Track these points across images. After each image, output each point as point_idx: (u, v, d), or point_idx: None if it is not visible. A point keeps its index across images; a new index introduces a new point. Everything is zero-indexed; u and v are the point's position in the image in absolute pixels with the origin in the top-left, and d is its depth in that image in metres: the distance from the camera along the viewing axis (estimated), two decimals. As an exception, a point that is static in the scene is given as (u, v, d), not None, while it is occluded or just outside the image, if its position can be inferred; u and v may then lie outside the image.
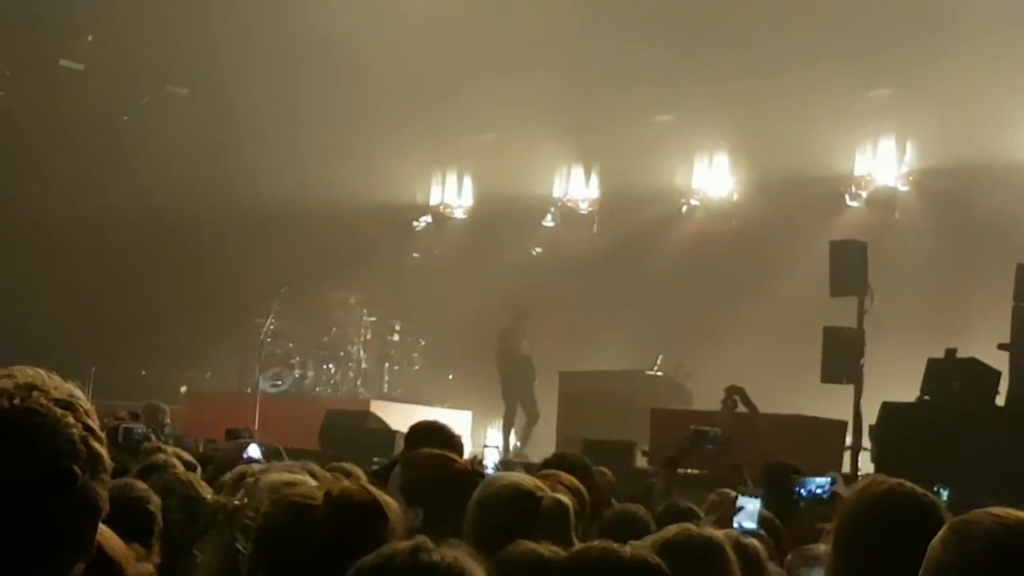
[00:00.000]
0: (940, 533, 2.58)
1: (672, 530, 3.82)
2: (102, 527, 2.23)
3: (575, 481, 5.26)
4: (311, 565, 2.69)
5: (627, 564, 2.78)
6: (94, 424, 1.76)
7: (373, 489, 2.87)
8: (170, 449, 6.44)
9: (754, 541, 4.09)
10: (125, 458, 5.74)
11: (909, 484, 3.16)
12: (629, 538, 3.68)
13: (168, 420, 10.67)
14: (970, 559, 2.48)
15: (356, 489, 2.86)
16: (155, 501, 4.36)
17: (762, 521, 5.32)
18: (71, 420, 1.72)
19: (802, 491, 5.67)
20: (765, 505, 5.74)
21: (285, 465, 4.51)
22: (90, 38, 20.52)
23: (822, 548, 4.70)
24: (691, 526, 3.91)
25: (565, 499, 4.19)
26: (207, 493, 4.59)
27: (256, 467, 4.49)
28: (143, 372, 20.03)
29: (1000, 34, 15.93)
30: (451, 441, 5.67)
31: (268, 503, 2.98)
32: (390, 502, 2.79)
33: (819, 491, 5.82)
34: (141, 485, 4.50)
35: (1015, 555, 2.47)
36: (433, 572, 2.16)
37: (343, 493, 2.83)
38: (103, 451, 1.76)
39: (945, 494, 5.45)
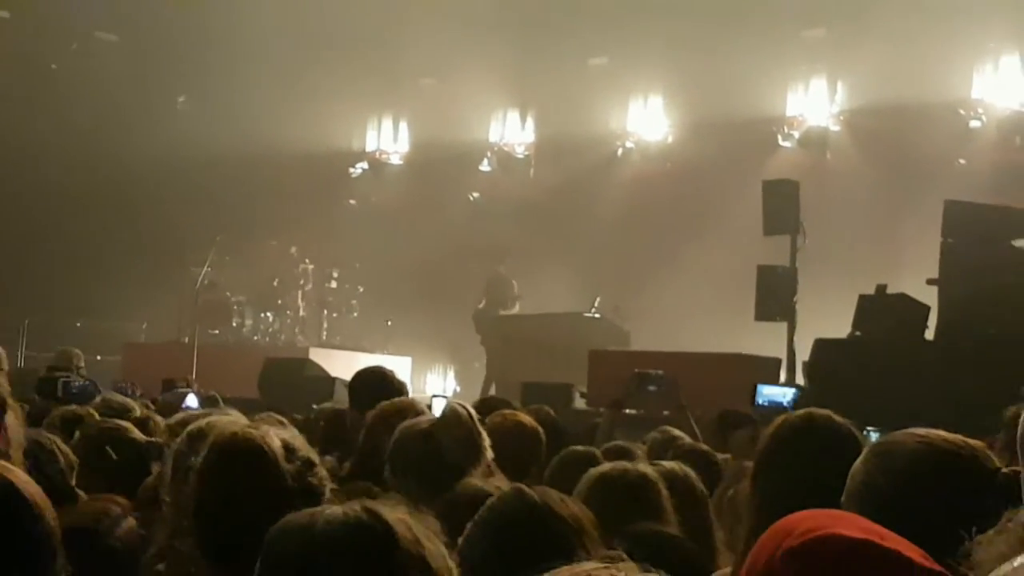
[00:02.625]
0: (862, 456, 2.60)
1: (607, 466, 3.92)
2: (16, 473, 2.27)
3: (532, 421, 5.36)
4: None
5: (539, 510, 2.81)
6: None
7: (257, 433, 2.89)
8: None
9: (689, 472, 4.17)
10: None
11: (825, 412, 3.21)
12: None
13: (82, 364, 10.62)
14: (894, 477, 2.51)
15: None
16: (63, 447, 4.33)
17: (698, 456, 5.42)
18: None
19: (761, 401, 5.72)
20: (710, 445, 5.86)
21: (222, 411, 4.53)
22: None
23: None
24: (625, 463, 4.01)
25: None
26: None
27: (199, 414, 4.52)
28: (78, 323, 19.84)
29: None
30: (397, 389, 5.70)
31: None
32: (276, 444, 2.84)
33: (781, 400, 5.88)
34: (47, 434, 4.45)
35: (939, 471, 2.50)
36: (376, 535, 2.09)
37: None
38: None
39: (874, 437, 5.58)
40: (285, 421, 4.50)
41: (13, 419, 3.23)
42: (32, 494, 2.36)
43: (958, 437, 2.62)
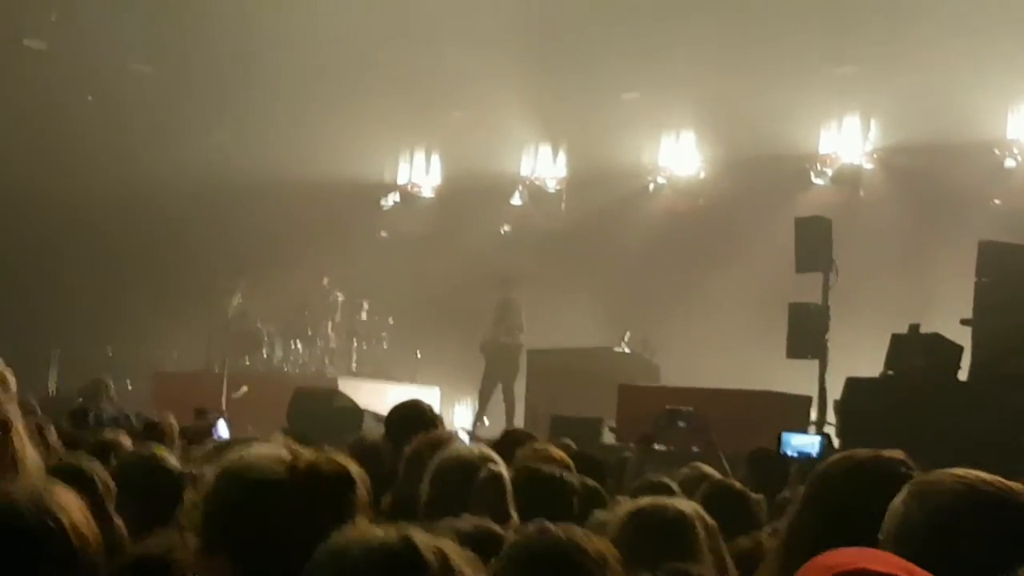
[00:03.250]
0: (901, 494, 2.58)
1: (645, 501, 3.88)
2: (67, 496, 2.25)
3: (564, 456, 5.33)
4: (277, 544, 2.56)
5: (563, 546, 2.81)
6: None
7: (340, 457, 2.76)
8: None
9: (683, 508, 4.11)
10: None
11: (887, 454, 3.17)
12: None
13: (113, 393, 10.67)
14: (933, 516, 2.49)
15: (324, 460, 2.72)
16: (99, 469, 4.33)
17: (732, 494, 5.37)
18: None
19: (788, 452, 5.66)
20: (749, 486, 5.80)
21: (257, 440, 4.52)
22: (54, 17, 20.33)
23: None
24: (664, 499, 3.97)
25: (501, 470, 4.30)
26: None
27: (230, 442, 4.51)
28: (109, 352, 19.94)
29: (963, 12, 16.02)
30: (432, 422, 5.72)
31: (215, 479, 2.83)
32: (357, 470, 2.74)
33: (810, 451, 5.81)
34: (83, 455, 4.45)
35: (978, 512, 2.48)
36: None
37: (311, 465, 2.69)
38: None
39: None
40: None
41: (21, 441, 3.18)
42: (75, 522, 2.36)
43: (996, 478, 2.60)
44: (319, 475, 2.63)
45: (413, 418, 5.66)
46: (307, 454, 2.68)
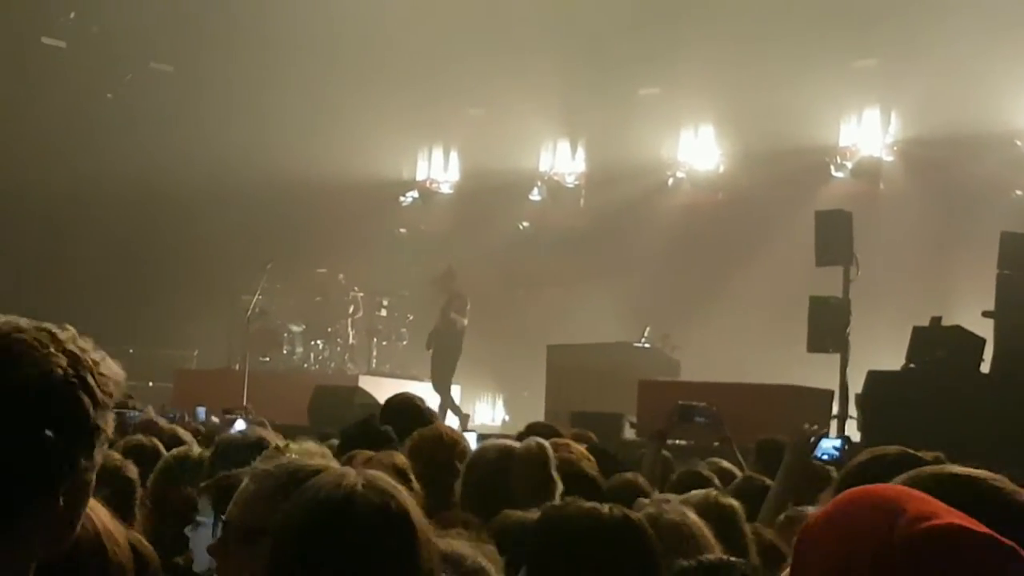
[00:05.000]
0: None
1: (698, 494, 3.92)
2: (94, 503, 2.22)
3: (583, 450, 5.32)
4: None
5: (606, 521, 2.85)
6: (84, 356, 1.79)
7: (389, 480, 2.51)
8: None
9: (732, 502, 4.12)
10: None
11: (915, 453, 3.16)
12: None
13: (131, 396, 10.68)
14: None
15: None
16: (133, 469, 4.35)
17: (750, 486, 5.36)
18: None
19: (819, 454, 5.65)
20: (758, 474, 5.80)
21: (273, 434, 4.54)
22: (72, 15, 20.41)
23: (811, 511, 4.75)
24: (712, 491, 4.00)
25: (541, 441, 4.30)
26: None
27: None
28: (131, 350, 19.99)
29: (982, 3, 15.95)
30: (424, 415, 5.79)
31: (252, 477, 2.85)
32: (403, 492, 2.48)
33: (835, 453, 5.79)
34: (116, 455, 4.46)
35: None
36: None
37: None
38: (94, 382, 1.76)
39: None
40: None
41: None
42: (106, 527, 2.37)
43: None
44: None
45: (408, 411, 5.71)
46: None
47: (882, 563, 1.62)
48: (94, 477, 1.77)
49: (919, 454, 3.19)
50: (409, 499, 2.30)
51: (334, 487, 2.28)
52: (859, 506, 1.74)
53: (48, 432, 1.64)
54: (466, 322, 17.85)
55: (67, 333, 1.79)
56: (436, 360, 18.06)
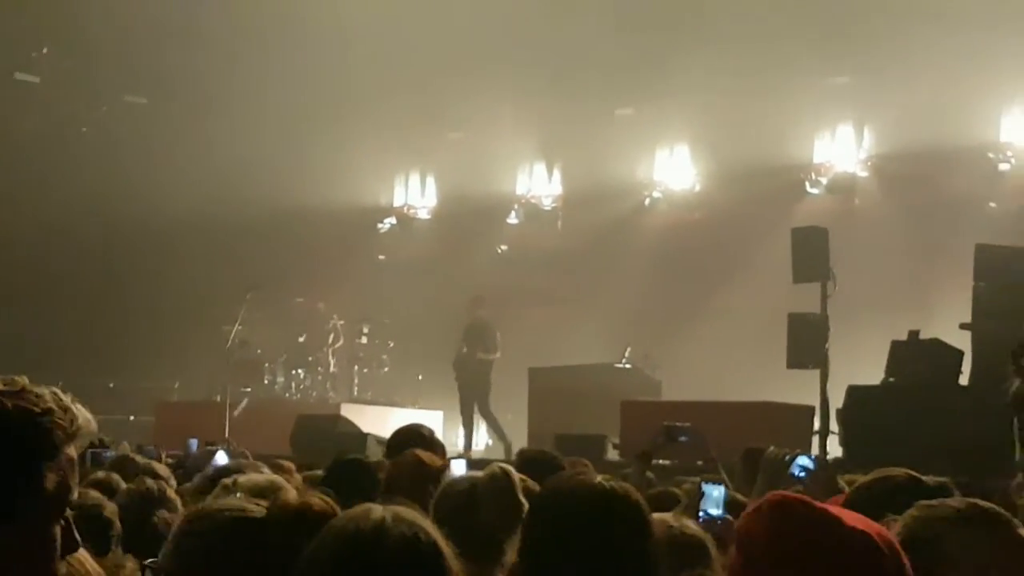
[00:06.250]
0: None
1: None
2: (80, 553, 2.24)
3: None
4: None
5: (598, 491, 2.96)
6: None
7: (321, 497, 2.73)
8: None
9: (695, 531, 4.11)
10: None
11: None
12: None
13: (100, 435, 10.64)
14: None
15: (305, 501, 2.69)
16: (110, 508, 4.35)
17: (731, 504, 5.37)
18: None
19: (796, 472, 5.67)
20: (743, 489, 5.79)
21: (253, 465, 4.53)
22: (45, 50, 20.38)
23: None
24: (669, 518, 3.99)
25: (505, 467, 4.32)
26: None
27: (231, 470, 4.50)
28: (111, 384, 19.92)
29: (955, 18, 16.06)
30: (432, 445, 5.76)
31: (186, 519, 2.83)
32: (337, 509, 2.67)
33: (801, 473, 5.80)
34: (95, 493, 4.46)
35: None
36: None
37: (289, 505, 2.68)
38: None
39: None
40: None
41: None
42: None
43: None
44: (305, 514, 2.62)
45: (415, 442, 5.69)
46: (293, 495, 2.65)
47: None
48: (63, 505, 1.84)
49: (924, 479, 3.25)
50: (436, 530, 2.33)
51: (362, 520, 2.30)
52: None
53: None
54: (499, 354, 17.70)
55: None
56: (465, 391, 17.82)
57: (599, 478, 3.06)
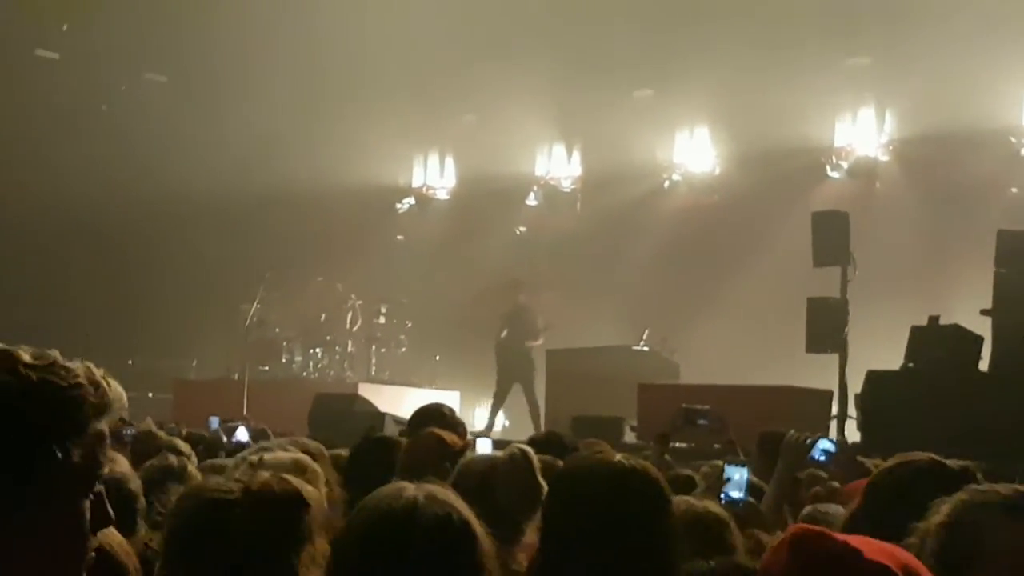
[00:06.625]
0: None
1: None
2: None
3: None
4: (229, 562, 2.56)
5: (617, 468, 3.01)
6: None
7: (293, 479, 2.74)
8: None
9: (718, 511, 4.11)
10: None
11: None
12: None
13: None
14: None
15: (275, 480, 2.70)
16: (135, 482, 4.36)
17: (751, 489, 5.36)
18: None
19: (817, 455, 5.66)
20: (758, 472, 5.78)
21: (279, 443, 4.53)
22: (65, 27, 20.39)
23: (832, 508, 4.76)
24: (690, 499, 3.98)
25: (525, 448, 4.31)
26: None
27: (256, 448, 4.49)
28: (130, 362, 20.00)
29: (976, 1, 15.96)
30: (453, 424, 5.75)
31: (177, 499, 2.87)
32: (312, 492, 2.70)
33: (822, 457, 5.78)
34: (119, 467, 4.47)
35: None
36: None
37: (262, 487, 2.69)
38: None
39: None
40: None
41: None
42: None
43: None
44: (271, 497, 2.62)
45: (435, 421, 5.68)
46: (263, 476, 2.66)
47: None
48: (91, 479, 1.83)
49: (947, 463, 3.23)
50: (468, 510, 2.34)
51: (395, 499, 2.30)
52: None
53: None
54: (542, 340, 17.65)
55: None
56: (504, 374, 17.77)
57: (618, 456, 3.07)
